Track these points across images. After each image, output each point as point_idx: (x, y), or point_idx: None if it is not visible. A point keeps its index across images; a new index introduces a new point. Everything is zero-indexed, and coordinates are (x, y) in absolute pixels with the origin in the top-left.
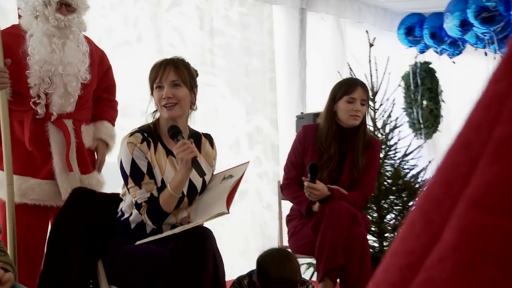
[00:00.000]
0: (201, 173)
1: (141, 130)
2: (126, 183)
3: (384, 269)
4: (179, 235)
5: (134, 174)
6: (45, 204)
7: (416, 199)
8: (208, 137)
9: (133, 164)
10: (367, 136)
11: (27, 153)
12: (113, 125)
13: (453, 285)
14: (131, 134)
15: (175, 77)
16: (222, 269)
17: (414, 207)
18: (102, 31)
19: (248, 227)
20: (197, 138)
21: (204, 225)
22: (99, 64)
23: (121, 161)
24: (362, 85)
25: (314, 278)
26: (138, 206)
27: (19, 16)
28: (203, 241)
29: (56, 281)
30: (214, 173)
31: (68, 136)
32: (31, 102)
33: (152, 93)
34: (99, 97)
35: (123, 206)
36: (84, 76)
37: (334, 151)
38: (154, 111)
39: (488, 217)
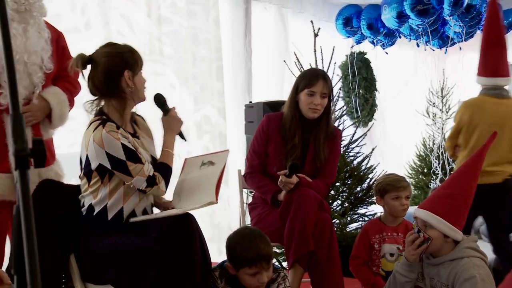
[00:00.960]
0: (184, 138)
1: (104, 120)
2: (125, 171)
3: None
4: (161, 222)
5: (131, 156)
6: (4, 199)
7: None
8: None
9: (125, 148)
10: (330, 127)
11: None
12: (64, 93)
13: None
14: (102, 125)
15: None
16: (208, 251)
17: None
18: (49, 17)
19: (197, 217)
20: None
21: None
22: (57, 49)
23: (107, 154)
24: (324, 78)
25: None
26: (151, 178)
27: None
28: (188, 225)
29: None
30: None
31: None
32: None
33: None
34: (57, 76)
35: (90, 202)
36: (48, 65)
37: (298, 140)
38: (95, 99)
39: None
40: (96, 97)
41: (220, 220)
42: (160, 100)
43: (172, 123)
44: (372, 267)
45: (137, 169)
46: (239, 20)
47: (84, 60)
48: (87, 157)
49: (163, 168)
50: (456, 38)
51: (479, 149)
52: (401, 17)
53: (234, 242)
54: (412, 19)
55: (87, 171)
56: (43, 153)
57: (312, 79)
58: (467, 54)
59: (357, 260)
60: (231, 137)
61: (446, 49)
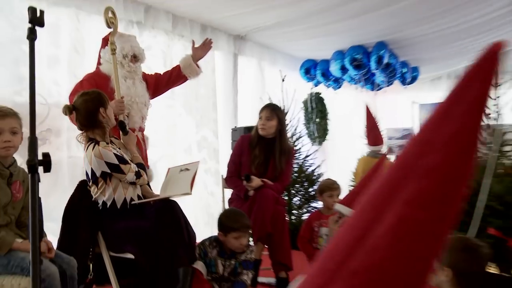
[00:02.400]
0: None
1: (94, 142)
2: (120, 171)
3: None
4: (153, 208)
5: (121, 160)
6: None
7: (364, 199)
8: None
9: (116, 155)
10: (284, 145)
11: None
12: None
13: (391, 250)
14: (97, 144)
15: None
16: (192, 228)
17: (364, 201)
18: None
19: (197, 208)
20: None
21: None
22: (149, 89)
23: (106, 163)
24: (268, 106)
25: None
26: (137, 173)
27: (99, 63)
28: (173, 210)
29: (69, 246)
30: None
31: (140, 143)
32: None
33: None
34: None
35: (102, 200)
36: (148, 103)
37: (259, 152)
38: (83, 132)
39: (415, 210)
40: (83, 131)
41: (213, 210)
42: (122, 125)
43: (130, 140)
44: (313, 244)
45: (127, 168)
46: (229, 68)
47: (69, 109)
48: (92, 170)
49: (140, 166)
50: (382, 84)
51: (380, 159)
52: (343, 69)
53: (225, 216)
54: (351, 71)
55: (94, 179)
56: (49, 163)
57: (262, 109)
58: (390, 95)
59: (303, 239)
60: (222, 152)
61: (376, 91)
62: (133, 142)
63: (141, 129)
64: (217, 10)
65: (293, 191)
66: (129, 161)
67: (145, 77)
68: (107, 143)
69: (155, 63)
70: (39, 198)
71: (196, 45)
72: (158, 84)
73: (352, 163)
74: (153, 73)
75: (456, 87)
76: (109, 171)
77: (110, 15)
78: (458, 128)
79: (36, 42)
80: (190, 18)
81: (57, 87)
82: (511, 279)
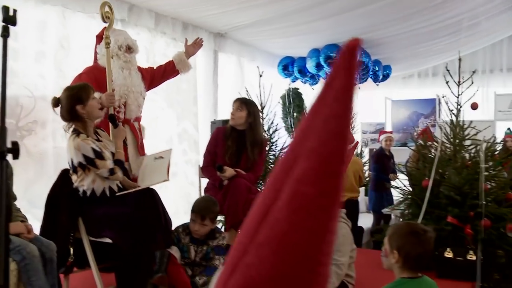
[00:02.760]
0: (126, 144)
1: (76, 132)
2: (94, 165)
3: (257, 203)
4: (133, 196)
5: (98, 156)
6: None
7: (269, 179)
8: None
9: (94, 150)
10: (257, 137)
11: None
12: None
13: (288, 223)
14: (76, 136)
15: None
16: (168, 215)
17: (268, 181)
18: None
19: (178, 197)
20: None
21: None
22: (145, 81)
23: (83, 155)
24: (239, 99)
25: None
26: (112, 170)
27: (96, 58)
28: (153, 197)
29: (51, 231)
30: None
31: (136, 133)
32: (116, 111)
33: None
34: None
35: (83, 187)
36: (144, 93)
37: (231, 143)
38: (67, 124)
39: (303, 186)
40: (67, 123)
41: (192, 199)
42: (112, 118)
43: (119, 133)
44: None
45: (101, 163)
46: (210, 64)
47: (55, 102)
48: (71, 159)
49: (119, 163)
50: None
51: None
52: (319, 66)
53: (196, 200)
54: (325, 68)
55: (74, 168)
56: (17, 151)
57: (234, 101)
58: (364, 92)
59: None
60: (202, 144)
61: None
62: (121, 136)
63: (138, 119)
64: (198, 9)
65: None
66: (107, 156)
67: (140, 70)
68: (88, 136)
69: (138, 59)
70: (8, 183)
71: (188, 43)
72: (154, 77)
73: None
74: (147, 67)
75: (328, 76)
76: (85, 163)
77: (106, 9)
78: (329, 112)
79: (24, 38)
80: (172, 16)
81: (43, 81)
82: (459, 261)
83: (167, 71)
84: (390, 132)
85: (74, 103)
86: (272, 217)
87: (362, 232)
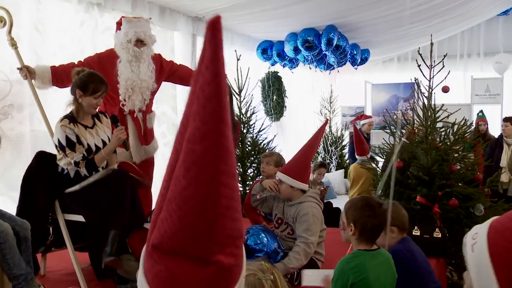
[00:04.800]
0: (127, 147)
1: (66, 116)
2: (64, 152)
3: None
4: (105, 177)
5: (69, 145)
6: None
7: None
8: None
9: (67, 138)
10: (233, 121)
11: None
12: None
13: (185, 178)
14: (61, 120)
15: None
16: (139, 199)
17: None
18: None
19: (157, 182)
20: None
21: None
22: (160, 72)
23: (58, 139)
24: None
25: None
26: (76, 163)
27: (115, 44)
28: (124, 178)
29: (28, 212)
30: None
31: (138, 124)
32: (121, 104)
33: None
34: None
35: (61, 167)
36: (152, 86)
37: None
38: (71, 103)
39: (192, 145)
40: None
41: None
42: (114, 119)
43: (117, 134)
44: (256, 211)
45: (70, 154)
46: (188, 48)
47: (75, 74)
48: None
49: (89, 161)
50: (334, 65)
51: (315, 134)
52: (296, 50)
53: None
54: (303, 51)
55: (56, 147)
56: None
57: None
58: (344, 76)
59: (247, 206)
60: None
61: (330, 71)
62: (115, 141)
63: (141, 110)
64: None
65: (247, 163)
66: (79, 148)
67: (158, 61)
68: (74, 121)
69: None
70: None
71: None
72: (172, 74)
73: (307, 137)
74: (169, 60)
75: (202, 49)
76: (58, 146)
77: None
78: (203, 80)
79: None
80: (149, 0)
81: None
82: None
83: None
84: (371, 117)
85: (77, 86)
86: (175, 175)
87: (338, 213)
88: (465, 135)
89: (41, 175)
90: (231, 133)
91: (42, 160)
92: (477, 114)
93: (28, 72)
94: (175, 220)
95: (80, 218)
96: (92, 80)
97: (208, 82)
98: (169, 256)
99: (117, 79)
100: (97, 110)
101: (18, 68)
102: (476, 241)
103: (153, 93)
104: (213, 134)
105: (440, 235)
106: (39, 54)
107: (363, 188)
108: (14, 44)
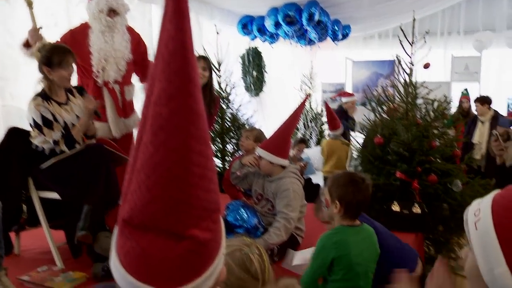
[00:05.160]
0: (99, 116)
1: (39, 94)
2: (41, 131)
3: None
4: (81, 151)
5: (46, 124)
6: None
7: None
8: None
9: (43, 117)
10: (212, 95)
11: None
12: None
13: (154, 144)
14: (34, 99)
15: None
16: (115, 175)
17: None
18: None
19: None
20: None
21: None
22: (137, 46)
23: (33, 118)
24: (204, 58)
25: None
26: (55, 142)
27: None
28: (100, 151)
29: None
30: None
31: (115, 96)
32: (93, 74)
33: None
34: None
35: (36, 145)
36: (128, 57)
37: None
38: (41, 81)
39: (158, 108)
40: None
41: None
42: (79, 90)
43: (88, 105)
44: (236, 187)
45: (47, 133)
46: None
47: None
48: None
49: (68, 137)
50: (315, 40)
51: (296, 110)
52: (277, 25)
53: None
54: (284, 26)
55: (30, 124)
56: None
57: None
58: (325, 52)
59: (226, 182)
60: None
61: (311, 47)
62: (88, 109)
63: (117, 82)
64: None
65: (226, 139)
66: (57, 126)
67: (138, 36)
68: (48, 97)
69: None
70: None
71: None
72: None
73: (287, 113)
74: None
75: (165, 2)
76: (34, 126)
77: None
78: (167, 35)
79: None
80: None
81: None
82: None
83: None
84: (353, 95)
85: (42, 63)
86: (143, 142)
87: (318, 189)
88: (445, 112)
89: (14, 151)
90: (200, 94)
91: (15, 136)
92: (462, 92)
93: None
94: (144, 191)
95: (55, 195)
96: (54, 52)
97: (172, 37)
98: (141, 231)
99: (90, 50)
100: (71, 82)
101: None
102: (479, 218)
103: (130, 65)
104: (180, 94)
105: (419, 211)
106: (9, 27)
107: (337, 163)
108: (30, 4)
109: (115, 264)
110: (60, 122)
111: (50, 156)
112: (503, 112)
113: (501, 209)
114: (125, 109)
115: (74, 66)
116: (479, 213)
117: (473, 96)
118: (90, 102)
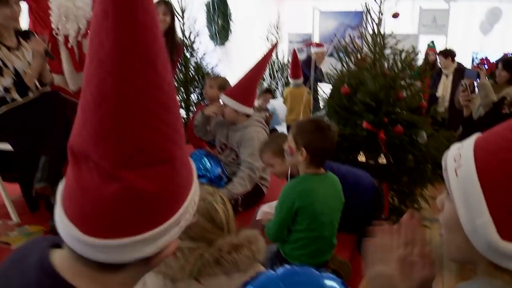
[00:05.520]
0: (52, 57)
1: None
2: None
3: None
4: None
5: None
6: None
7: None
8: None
9: None
10: (175, 42)
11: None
12: None
13: (97, 75)
14: None
15: None
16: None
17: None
18: None
19: None
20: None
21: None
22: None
23: None
24: (162, 1)
25: None
26: (6, 89)
27: None
28: (54, 99)
29: None
30: None
31: (73, 49)
32: (53, 31)
33: None
34: None
35: None
36: (89, 15)
37: None
38: None
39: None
40: None
41: None
42: (26, 34)
43: (35, 47)
44: None
45: None
46: None
47: None
48: None
49: (20, 84)
50: None
51: (262, 58)
52: None
53: None
54: None
55: None
56: None
57: (157, 4)
58: (293, 2)
59: (190, 131)
60: None
61: None
62: (37, 51)
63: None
64: None
65: (191, 88)
66: (6, 73)
67: None
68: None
69: None
70: None
71: None
72: None
73: (252, 63)
74: None
75: None
76: None
77: None
78: None
79: None
80: None
81: None
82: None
83: None
84: (322, 45)
85: None
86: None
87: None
88: (412, 63)
89: None
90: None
91: None
92: (428, 44)
93: None
94: (79, 113)
95: (7, 146)
96: None
97: None
98: (76, 160)
99: (49, 6)
100: (19, 22)
101: None
102: (460, 164)
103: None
104: (125, 28)
105: (385, 161)
106: None
107: (301, 112)
108: None
109: (57, 202)
110: (10, 68)
111: (1, 105)
112: (468, 65)
113: (484, 154)
114: (82, 63)
115: (23, 6)
116: (459, 159)
117: (440, 49)
118: (38, 43)
